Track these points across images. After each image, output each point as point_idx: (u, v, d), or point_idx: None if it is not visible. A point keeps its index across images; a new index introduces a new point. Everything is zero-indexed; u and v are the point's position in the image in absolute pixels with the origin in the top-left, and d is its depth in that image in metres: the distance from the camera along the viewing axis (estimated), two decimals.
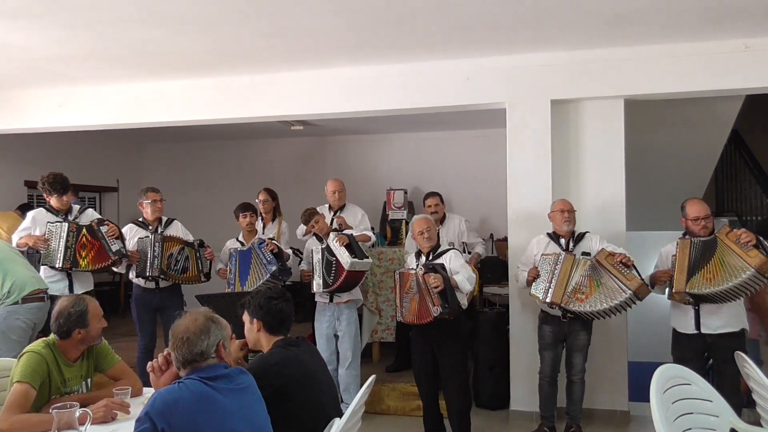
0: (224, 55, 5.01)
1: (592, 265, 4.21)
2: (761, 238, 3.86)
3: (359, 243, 4.80)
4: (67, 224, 4.71)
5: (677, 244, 4.08)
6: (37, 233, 4.72)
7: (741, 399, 3.92)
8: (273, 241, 4.94)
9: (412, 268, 4.33)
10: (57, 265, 4.66)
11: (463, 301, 4.27)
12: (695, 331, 4.06)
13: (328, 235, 4.83)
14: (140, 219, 5.12)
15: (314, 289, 4.78)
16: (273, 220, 5.66)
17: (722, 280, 3.83)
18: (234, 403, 2.20)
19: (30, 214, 4.90)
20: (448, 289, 4.06)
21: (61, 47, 4.74)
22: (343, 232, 4.86)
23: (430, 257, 4.35)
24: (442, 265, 4.21)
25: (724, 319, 4.01)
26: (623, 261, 4.12)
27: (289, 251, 5.13)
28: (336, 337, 4.87)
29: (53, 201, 4.81)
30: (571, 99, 5.00)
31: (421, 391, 4.48)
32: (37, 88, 6.00)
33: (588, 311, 4.16)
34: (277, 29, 4.40)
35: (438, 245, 4.43)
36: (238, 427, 2.17)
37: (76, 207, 4.99)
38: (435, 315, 4.04)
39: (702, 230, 4.04)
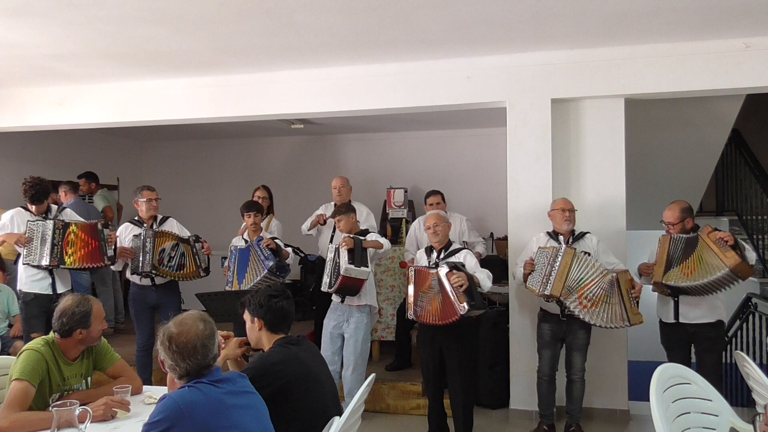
0: (225, 53, 5.00)
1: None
2: (740, 240, 4.09)
3: (368, 249, 4.64)
4: (52, 222, 4.65)
5: (659, 240, 4.33)
6: (16, 232, 4.67)
7: (722, 388, 4.11)
8: (271, 239, 4.91)
9: (429, 266, 4.22)
10: (44, 263, 4.58)
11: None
12: (674, 321, 4.30)
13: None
14: (136, 217, 5.11)
15: (322, 287, 4.73)
16: (265, 217, 5.66)
17: (699, 276, 4.08)
18: (243, 406, 2.19)
19: (8, 213, 4.82)
20: (473, 286, 4.01)
21: (62, 45, 4.74)
22: (356, 235, 4.65)
23: (442, 254, 4.32)
24: (463, 263, 4.15)
25: (701, 311, 4.25)
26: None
27: (289, 249, 5.11)
28: (342, 337, 4.75)
29: (29, 205, 4.79)
30: (571, 98, 4.99)
31: (427, 389, 4.46)
32: (38, 86, 6.00)
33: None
34: (278, 27, 4.40)
35: (450, 242, 4.40)
36: (251, 430, 2.16)
37: (54, 207, 4.94)
38: (462, 313, 3.93)
39: (670, 232, 4.32)
